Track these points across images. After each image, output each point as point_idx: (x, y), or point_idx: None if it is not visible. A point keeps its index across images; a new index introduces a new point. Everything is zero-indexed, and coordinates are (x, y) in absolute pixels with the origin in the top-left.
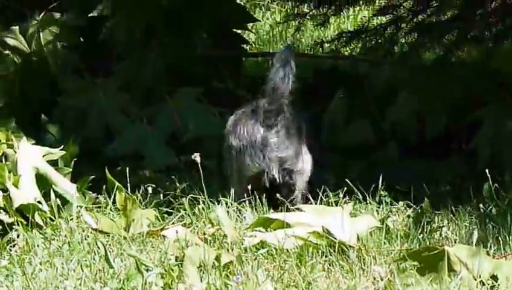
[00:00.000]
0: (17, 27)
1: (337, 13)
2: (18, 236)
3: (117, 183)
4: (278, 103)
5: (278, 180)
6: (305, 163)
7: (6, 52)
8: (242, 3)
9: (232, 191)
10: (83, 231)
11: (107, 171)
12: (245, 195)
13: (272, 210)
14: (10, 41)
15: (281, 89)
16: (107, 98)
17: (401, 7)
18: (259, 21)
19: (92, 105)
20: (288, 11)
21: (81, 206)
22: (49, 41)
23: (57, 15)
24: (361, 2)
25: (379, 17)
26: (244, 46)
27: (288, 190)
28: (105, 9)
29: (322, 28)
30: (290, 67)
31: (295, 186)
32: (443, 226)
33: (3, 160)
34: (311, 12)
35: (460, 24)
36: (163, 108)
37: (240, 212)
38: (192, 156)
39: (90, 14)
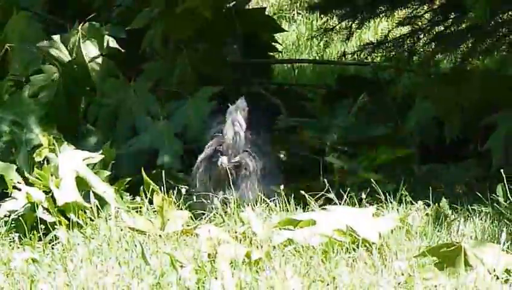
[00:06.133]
0: (58, 36)
1: (361, 27)
2: (60, 235)
3: (153, 185)
4: (235, 161)
5: None
6: None
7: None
8: (270, 15)
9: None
10: (121, 230)
11: (143, 173)
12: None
13: (298, 210)
14: (52, 50)
15: (235, 147)
16: (136, 98)
17: (422, 18)
18: (287, 31)
19: (121, 105)
20: (313, 23)
21: (119, 207)
22: (89, 51)
23: (97, 25)
24: (381, 15)
25: (399, 28)
26: (273, 54)
27: None
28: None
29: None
30: (239, 124)
31: None
32: (460, 224)
33: (46, 163)
34: (337, 27)
35: (475, 34)
36: (181, 106)
37: (269, 212)
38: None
39: (128, 28)
